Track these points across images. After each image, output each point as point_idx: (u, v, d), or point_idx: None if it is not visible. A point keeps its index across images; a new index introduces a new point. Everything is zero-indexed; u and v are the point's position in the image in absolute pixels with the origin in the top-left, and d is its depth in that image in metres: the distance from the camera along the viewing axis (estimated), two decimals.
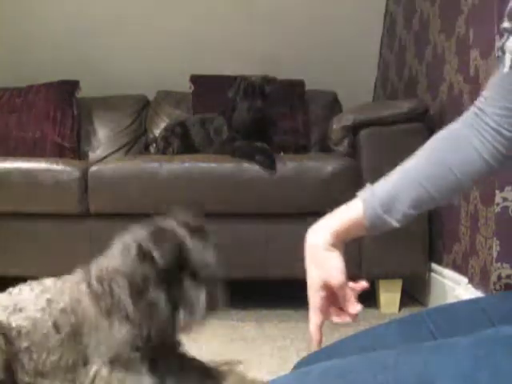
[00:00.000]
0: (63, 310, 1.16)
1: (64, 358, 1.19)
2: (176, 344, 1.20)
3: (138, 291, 1.04)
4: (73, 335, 1.17)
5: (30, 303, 1.19)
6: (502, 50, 0.80)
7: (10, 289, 1.25)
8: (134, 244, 1.04)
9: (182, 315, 1.04)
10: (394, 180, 0.87)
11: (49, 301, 1.18)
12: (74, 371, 1.21)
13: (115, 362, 1.16)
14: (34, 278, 1.41)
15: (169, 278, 1.02)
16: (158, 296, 1.03)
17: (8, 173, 2.11)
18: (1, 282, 2.17)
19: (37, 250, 2.13)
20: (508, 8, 0.80)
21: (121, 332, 1.12)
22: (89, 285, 1.13)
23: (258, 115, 2.16)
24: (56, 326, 1.15)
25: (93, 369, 1.17)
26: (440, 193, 0.85)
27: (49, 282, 1.23)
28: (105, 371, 1.16)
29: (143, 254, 1.02)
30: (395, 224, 0.85)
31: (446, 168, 0.84)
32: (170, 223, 1.08)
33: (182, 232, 1.06)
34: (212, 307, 1.06)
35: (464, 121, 0.86)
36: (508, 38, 0.80)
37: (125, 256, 1.06)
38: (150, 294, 1.03)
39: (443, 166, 0.84)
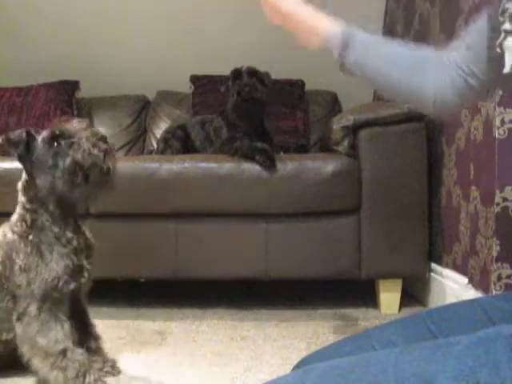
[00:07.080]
0: None
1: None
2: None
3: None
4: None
5: None
6: (501, 47, 0.81)
7: None
8: None
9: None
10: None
11: None
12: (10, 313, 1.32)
13: (45, 301, 1.28)
14: None
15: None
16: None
17: (8, 173, 2.11)
18: None
19: None
20: (509, 10, 0.81)
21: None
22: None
23: (246, 93, 2.16)
24: None
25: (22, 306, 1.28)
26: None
27: None
28: (33, 309, 1.27)
29: None
30: (345, 61, 1.00)
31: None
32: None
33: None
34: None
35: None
36: (506, 37, 0.80)
37: None
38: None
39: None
